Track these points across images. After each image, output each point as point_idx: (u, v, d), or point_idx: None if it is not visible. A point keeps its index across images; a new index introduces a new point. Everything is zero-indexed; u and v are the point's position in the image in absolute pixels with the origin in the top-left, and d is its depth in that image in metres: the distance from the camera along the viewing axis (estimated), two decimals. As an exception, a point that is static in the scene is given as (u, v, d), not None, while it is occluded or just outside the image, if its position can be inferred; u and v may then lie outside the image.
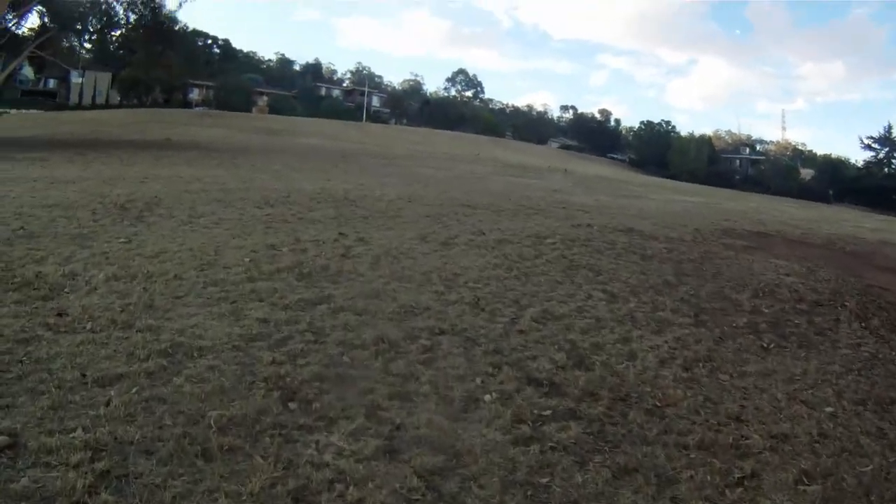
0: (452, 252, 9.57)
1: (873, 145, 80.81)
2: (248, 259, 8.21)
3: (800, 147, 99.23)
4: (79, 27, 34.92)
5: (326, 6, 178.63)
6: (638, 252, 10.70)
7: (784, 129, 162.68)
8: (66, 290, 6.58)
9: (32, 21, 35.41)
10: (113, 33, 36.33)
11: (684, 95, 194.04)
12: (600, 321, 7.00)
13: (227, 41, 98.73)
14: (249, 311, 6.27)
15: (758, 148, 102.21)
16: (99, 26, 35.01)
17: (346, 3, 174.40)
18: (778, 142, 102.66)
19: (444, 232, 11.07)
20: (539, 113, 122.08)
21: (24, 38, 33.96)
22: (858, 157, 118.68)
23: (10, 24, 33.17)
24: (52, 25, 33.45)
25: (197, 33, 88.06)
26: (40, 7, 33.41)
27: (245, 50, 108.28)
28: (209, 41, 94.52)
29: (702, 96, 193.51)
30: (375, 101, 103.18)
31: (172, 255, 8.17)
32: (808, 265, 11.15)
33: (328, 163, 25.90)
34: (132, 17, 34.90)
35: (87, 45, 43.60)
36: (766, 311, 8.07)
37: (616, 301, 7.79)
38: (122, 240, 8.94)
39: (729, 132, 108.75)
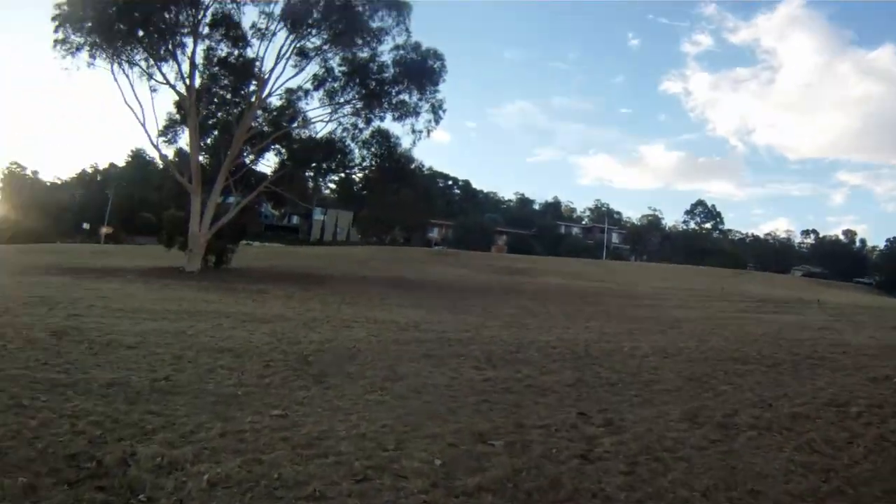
0: (737, 445, 6.43)
1: None
2: (438, 462, 5.52)
3: None
4: (315, 166, 35.69)
5: (564, 146, 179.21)
6: None
7: None
8: (140, 496, 4.50)
9: (270, 158, 37.58)
10: (351, 173, 36.68)
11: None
12: None
13: (466, 182, 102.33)
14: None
15: None
16: (334, 165, 35.55)
17: (583, 142, 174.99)
18: None
19: (717, 405, 7.92)
20: (780, 241, 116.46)
21: (260, 175, 35.78)
22: None
23: (246, 160, 34.96)
24: (287, 163, 34.89)
25: (437, 174, 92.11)
26: (277, 146, 35.15)
27: (485, 190, 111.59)
28: (449, 182, 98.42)
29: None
30: (615, 238, 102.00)
31: (331, 447, 5.72)
32: None
33: (568, 305, 23.51)
34: (367, 156, 35.61)
35: (332, 185, 45.20)
36: None
37: None
38: (277, 412, 6.79)
39: None
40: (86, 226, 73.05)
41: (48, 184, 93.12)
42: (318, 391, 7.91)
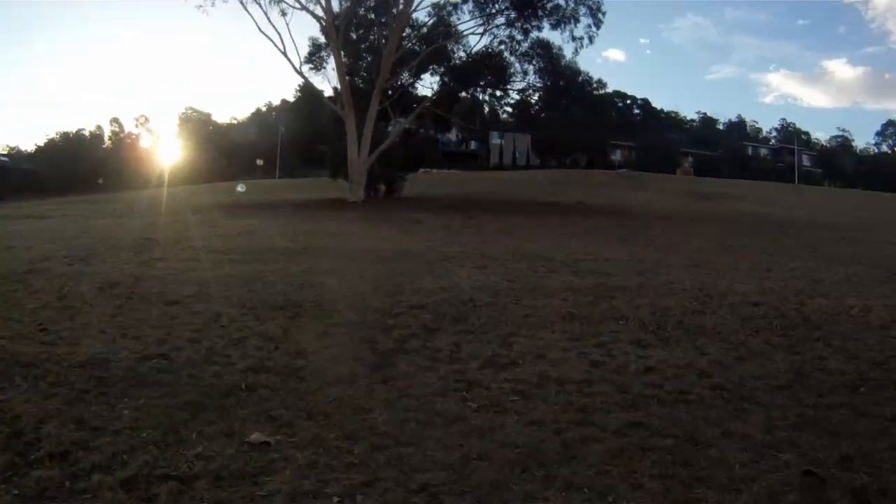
0: None
1: None
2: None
3: None
4: (475, 84, 32.89)
5: (741, 62, 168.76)
6: None
7: None
8: None
9: (428, 80, 35.13)
10: (512, 89, 33.59)
11: None
12: None
13: (646, 100, 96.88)
14: None
15: None
16: (494, 81, 32.51)
17: (761, 58, 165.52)
18: None
19: None
20: None
21: (420, 98, 33.69)
22: None
23: (405, 84, 33.04)
24: (446, 81, 32.36)
25: (616, 94, 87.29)
26: (434, 66, 32.69)
27: (665, 109, 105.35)
28: (628, 101, 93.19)
29: None
30: (806, 161, 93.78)
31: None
32: None
33: (764, 238, 19.65)
34: (529, 70, 32.30)
35: (507, 109, 42.39)
36: None
37: None
38: (255, 437, 4.43)
39: None
40: (259, 162, 74.05)
41: (224, 125, 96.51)
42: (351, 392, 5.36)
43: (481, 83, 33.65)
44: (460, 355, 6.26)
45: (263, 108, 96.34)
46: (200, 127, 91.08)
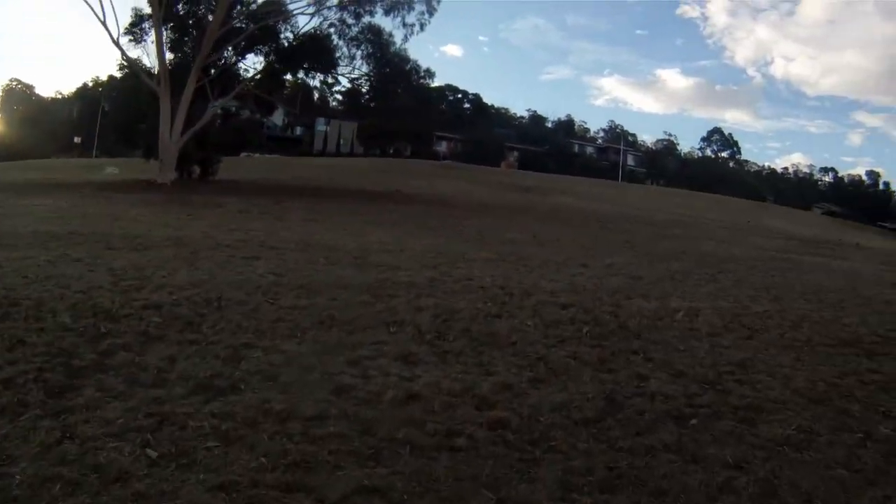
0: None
1: None
2: None
3: None
4: (299, 66, 31.88)
5: (577, 65, 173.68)
6: None
7: None
8: None
9: (253, 60, 33.36)
10: (339, 73, 32.77)
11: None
12: None
13: (477, 95, 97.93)
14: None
15: None
16: (320, 65, 31.66)
17: (597, 62, 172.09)
18: None
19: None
20: (799, 176, 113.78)
21: (241, 78, 31.79)
22: None
23: (227, 62, 31.14)
24: (270, 62, 31.12)
25: (447, 88, 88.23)
26: (260, 46, 31.03)
27: (496, 105, 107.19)
28: (459, 95, 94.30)
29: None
30: (630, 160, 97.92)
31: None
32: None
33: (584, 232, 19.60)
34: (358, 55, 31.66)
35: (339, 96, 41.47)
36: None
37: None
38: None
39: None
40: (77, 140, 70.48)
41: (49, 99, 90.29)
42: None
43: (305, 65, 32.51)
44: (169, 376, 4.91)
45: (91, 84, 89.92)
46: (25, 100, 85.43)
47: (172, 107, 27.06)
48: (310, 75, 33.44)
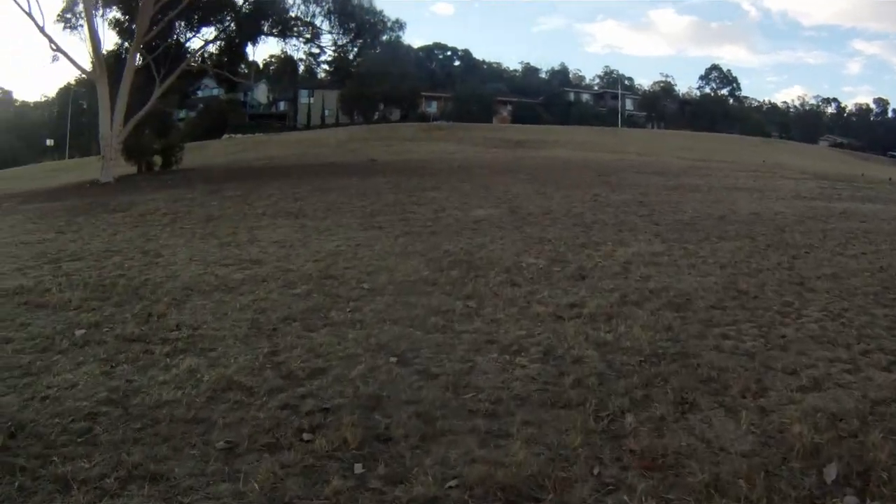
0: None
1: None
2: None
3: None
4: (264, 32, 29.19)
5: (570, 13, 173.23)
6: None
7: None
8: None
9: (208, 33, 30.52)
10: (293, 34, 30.01)
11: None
12: None
13: (466, 51, 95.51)
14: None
15: None
16: (273, 27, 28.91)
17: (590, 8, 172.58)
18: None
19: None
20: (802, 109, 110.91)
21: (187, 52, 29.01)
22: None
23: (179, 37, 28.49)
24: (235, 38, 28.40)
25: (436, 46, 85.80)
26: (214, 17, 28.30)
27: (488, 60, 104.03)
28: (448, 52, 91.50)
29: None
30: (629, 105, 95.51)
31: None
32: None
33: (581, 188, 16.35)
34: (317, 12, 28.94)
35: (325, 66, 38.86)
36: None
37: None
38: None
39: None
40: (50, 142, 69.16)
41: (32, 104, 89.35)
42: None
43: (264, 31, 29.79)
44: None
45: (74, 83, 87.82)
46: (5, 106, 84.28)
47: (113, 94, 24.42)
48: (256, 35, 30.51)
